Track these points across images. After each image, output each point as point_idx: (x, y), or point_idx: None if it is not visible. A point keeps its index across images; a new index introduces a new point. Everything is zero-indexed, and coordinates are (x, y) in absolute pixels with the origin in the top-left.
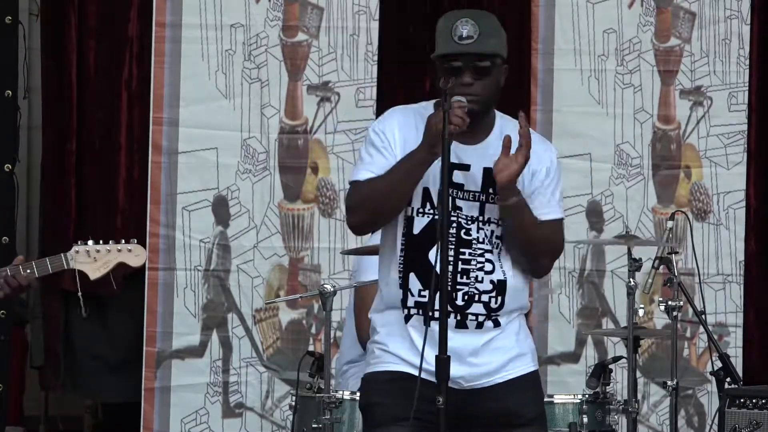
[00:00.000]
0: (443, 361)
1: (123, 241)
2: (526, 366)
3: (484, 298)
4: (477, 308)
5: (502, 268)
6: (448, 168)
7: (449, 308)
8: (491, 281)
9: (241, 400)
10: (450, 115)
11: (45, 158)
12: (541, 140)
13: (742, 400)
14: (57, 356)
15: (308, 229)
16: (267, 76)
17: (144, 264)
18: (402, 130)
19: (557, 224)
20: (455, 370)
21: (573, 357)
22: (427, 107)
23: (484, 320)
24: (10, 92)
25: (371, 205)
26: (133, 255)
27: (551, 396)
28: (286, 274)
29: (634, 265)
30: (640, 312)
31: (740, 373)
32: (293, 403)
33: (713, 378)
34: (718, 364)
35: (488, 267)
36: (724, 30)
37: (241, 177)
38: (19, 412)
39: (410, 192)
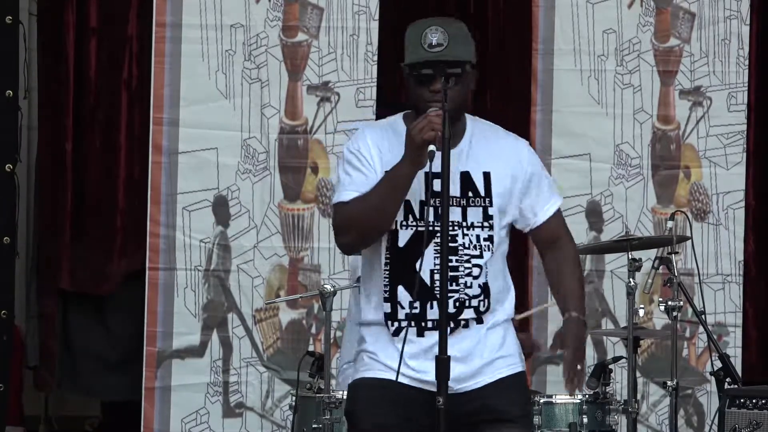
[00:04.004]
0: (443, 361)
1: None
2: (513, 366)
3: (474, 303)
4: (468, 313)
5: (487, 269)
6: (430, 178)
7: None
8: (479, 285)
9: (242, 400)
10: (430, 124)
11: (40, 158)
12: (506, 135)
13: (741, 400)
14: (53, 356)
15: (308, 229)
16: (267, 76)
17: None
18: (376, 145)
19: (561, 215)
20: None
21: None
22: (396, 121)
23: (473, 324)
24: (10, 92)
25: (361, 225)
26: None
27: (551, 396)
28: (286, 274)
29: (634, 265)
30: (640, 312)
31: (740, 373)
32: (293, 403)
33: (713, 378)
34: (718, 364)
35: (475, 272)
36: (724, 30)
37: (241, 177)
38: (19, 412)
39: (398, 206)
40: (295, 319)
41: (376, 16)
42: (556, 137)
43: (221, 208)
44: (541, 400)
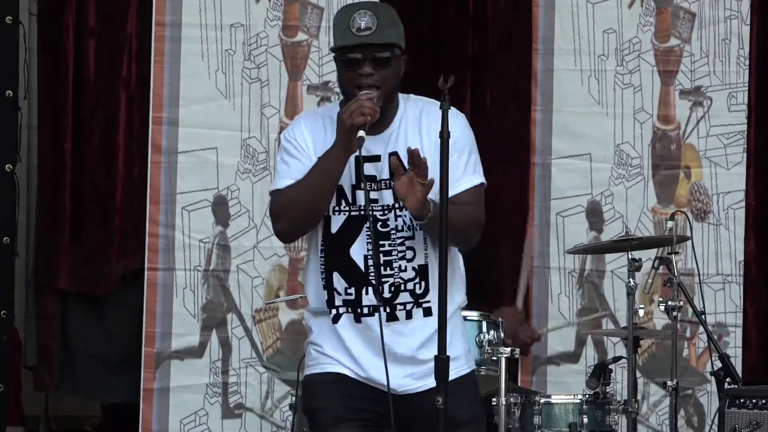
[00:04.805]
0: (443, 361)
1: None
2: (459, 368)
3: (410, 285)
4: (404, 297)
5: (425, 251)
6: (357, 162)
7: (377, 303)
8: (413, 268)
9: (241, 400)
10: (359, 108)
11: (40, 158)
12: (432, 112)
13: (741, 400)
14: (51, 356)
15: None
16: (267, 76)
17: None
18: (312, 133)
19: (474, 192)
20: (393, 375)
21: (573, 357)
22: (333, 108)
23: (412, 308)
24: (10, 92)
25: (294, 211)
26: None
27: (551, 396)
28: (286, 274)
29: (634, 265)
30: (640, 312)
31: (740, 373)
32: (293, 404)
33: (713, 378)
34: (718, 364)
35: (409, 255)
36: (724, 30)
37: (241, 177)
38: (19, 412)
39: (331, 191)
40: (295, 319)
41: None
42: (556, 137)
43: (221, 208)
44: (541, 400)
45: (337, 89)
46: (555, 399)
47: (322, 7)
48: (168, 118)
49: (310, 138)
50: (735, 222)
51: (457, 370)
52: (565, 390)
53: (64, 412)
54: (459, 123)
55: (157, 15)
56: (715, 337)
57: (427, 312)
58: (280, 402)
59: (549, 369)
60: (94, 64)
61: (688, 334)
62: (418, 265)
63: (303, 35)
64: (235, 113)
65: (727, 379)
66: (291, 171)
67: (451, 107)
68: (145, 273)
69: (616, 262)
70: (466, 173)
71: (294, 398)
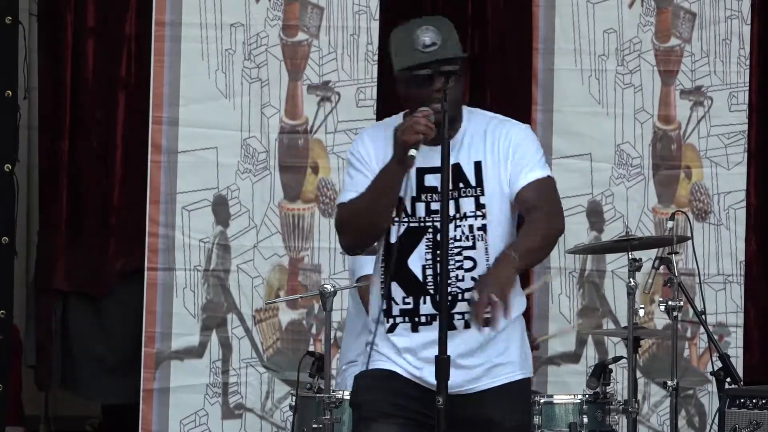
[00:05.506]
0: (443, 361)
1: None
2: (512, 374)
3: (467, 296)
4: (461, 307)
5: (487, 262)
6: (419, 173)
7: (435, 311)
8: (472, 278)
9: (241, 401)
10: (414, 125)
11: (40, 158)
12: (501, 123)
13: (741, 400)
14: (50, 355)
15: (308, 229)
16: (267, 75)
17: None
18: (374, 144)
19: (544, 185)
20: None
21: (573, 357)
22: (396, 119)
23: (470, 317)
24: (10, 92)
25: (356, 224)
26: None
27: (551, 396)
28: (286, 274)
29: (634, 265)
30: (641, 312)
31: (741, 373)
32: (293, 404)
33: (714, 378)
34: (719, 365)
35: (467, 264)
36: (725, 30)
37: (241, 177)
38: (19, 412)
39: (390, 205)
40: (295, 319)
41: (377, 16)
42: (556, 137)
43: (221, 208)
44: (541, 400)
45: (338, 89)
46: (555, 399)
47: (322, 7)
48: (168, 118)
49: (372, 150)
50: (736, 222)
51: (507, 375)
52: (565, 390)
53: (64, 412)
54: (515, 132)
55: (157, 14)
56: (716, 337)
57: (486, 321)
58: (280, 402)
59: (549, 369)
60: (94, 63)
61: (688, 335)
62: (478, 275)
63: (303, 35)
64: (235, 113)
65: (728, 380)
66: (354, 184)
67: (514, 121)
68: (145, 273)
69: (617, 262)
70: (533, 167)
71: (294, 398)
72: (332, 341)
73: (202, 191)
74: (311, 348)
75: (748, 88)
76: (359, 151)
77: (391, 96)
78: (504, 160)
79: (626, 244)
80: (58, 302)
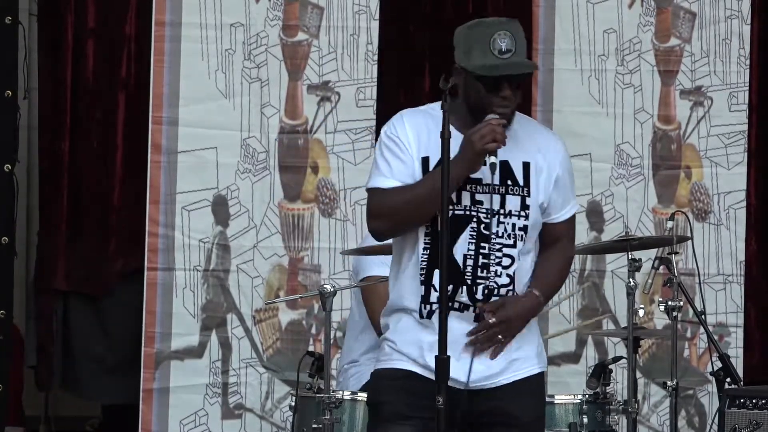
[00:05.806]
0: (443, 361)
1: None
2: (530, 368)
3: (502, 291)
4: None
5: (519, 260)
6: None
7: (469, 302)
8: (508, 275)
9: (241, 401)
10: (492, 134)
11: (40, 158)
12: (546, 131)
13: (741, 401)
14: (50, 355)
15: (308, 229)
16: (267, 75)
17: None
18: (415, 130)
19: (573, 219)
20: (467, 370)
21: (573, 357)
22: (435, 108)
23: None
24: (10, 92)
25: (401, 216)
26: None
27: (551, 396)
28: (286, 274)
29: (634, 265)
30: (640, 312)
31: (741, 374)
32: (293, 404)
33: (714, 378)
34: (719, 365)
35: (506, 261)
36: (725, 30)
37: (240, 177)
38: (19, 412)
39: (439, 204)
40: (295, 319)
41: (377, 16)
42: None
43: (220, 208)
44: None
45: (338, 89)
46: (555, 399)
47: (322, 7)
48: (168, 118)
49: (413, 137)
50: (736, 222)
51: (526, 369)
52: (565, 390)
53: (64, 413)
54: (562, 152)
55: (157, 14)
56: (716, 337)
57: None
58: (280, 402)
59: (549, 369)
60: (94, 64)
61: (688, 335)
62: (513, 273)
63: (303, 35)
64: (235, 113)
65: (727, 380)
66: (394, 171)
67: (553, 132)
68: (145, 273)
69: (617, 262)
70: (571, 200)
71: (294, 399)
72: (332, 341)
73: (202, 191)
74: (311, 348)
75: (748, 88)
76: (398, 136)
77: (391, 96)
78: (549, 178)
79: (626, 244)
80: (59, 302)
